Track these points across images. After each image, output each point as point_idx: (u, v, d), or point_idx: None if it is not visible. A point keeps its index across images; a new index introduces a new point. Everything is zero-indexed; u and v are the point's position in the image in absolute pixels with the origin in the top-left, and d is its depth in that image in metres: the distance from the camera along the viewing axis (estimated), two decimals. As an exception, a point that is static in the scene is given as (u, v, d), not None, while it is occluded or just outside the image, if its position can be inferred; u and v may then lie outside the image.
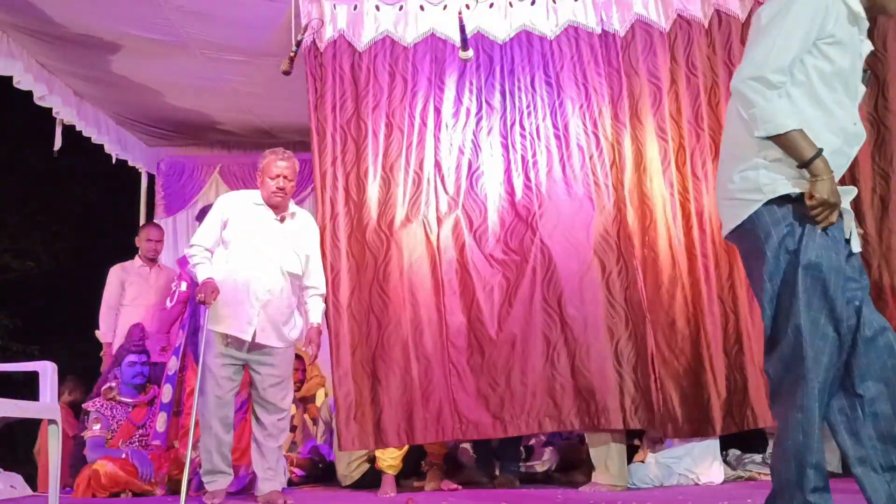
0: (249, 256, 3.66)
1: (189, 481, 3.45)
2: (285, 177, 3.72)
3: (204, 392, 3.63)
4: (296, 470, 4.70)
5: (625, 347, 3.84)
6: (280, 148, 3.84)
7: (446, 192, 4.10)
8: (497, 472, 4.33)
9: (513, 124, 4.16)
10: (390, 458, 3.90)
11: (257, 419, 3.75)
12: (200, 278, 3.64)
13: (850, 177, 3.93)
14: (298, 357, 4.60)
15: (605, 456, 3.77)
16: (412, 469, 4.27)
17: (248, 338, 3.62)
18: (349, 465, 4.30)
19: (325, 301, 3.93)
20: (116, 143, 6.10)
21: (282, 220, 3.77)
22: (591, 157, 4.08)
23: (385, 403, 3.86)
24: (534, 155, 4.12)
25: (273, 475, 3.70)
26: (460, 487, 4.07)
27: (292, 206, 3.85)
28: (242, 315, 3.61)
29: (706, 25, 4.22)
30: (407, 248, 4.02)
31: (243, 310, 3.61)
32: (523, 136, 4.14)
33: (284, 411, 3.77)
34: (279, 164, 3.72)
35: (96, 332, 5.37)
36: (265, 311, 3.64)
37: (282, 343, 3.72)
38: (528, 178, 4.09)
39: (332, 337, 3.95)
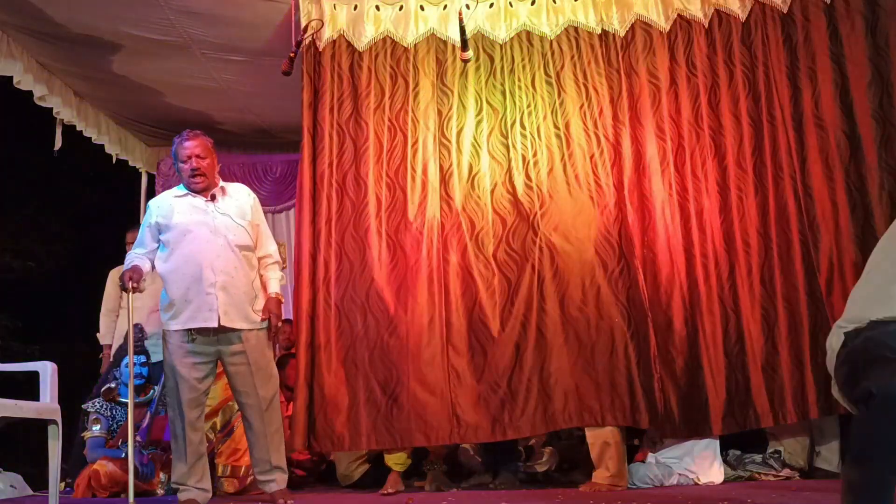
0: (192, 246, 3.54)
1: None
2: (198, 156, 3.59)
3: (174, 397, 3.52)
4: (296, 470, 4.69)
5: (626, 347, 3.84)
6: (186, 130, 3.69)
7: (448, 193, 4.09)
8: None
9: (513, 124, 4.16)
10: (396, 456, 3.89)
11: (245, 418, 3.65)
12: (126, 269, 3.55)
13: (858, 174, 3.94)
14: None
15: (605, 456, 3.77)
16: (413, 469, 4.26)
17: (214, 324, 3.49)
18: (349, 465, 4.30)
19: (317, 298, 3.90)
20: (116, 143, 6.10)
21: (212, 198, 3.64)
22: (591, 157, 4.08)
23: (381, 404, 3.85)
24: (534, 154, 4.12)
25: (271, 474, 3.64)
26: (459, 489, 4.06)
27: (220, 182, 3.71)
28: (202, 305, 3.49)
29: (706, 25, 4.22)
30: (408, 248, 4.02)
31: (201, 300, 3.49)
32: (524, 136, 4.14)
33: (266, 400, 3.60)
34: (186, 144, 3.61)
35: (98, 334, 5.38)
36: (226, 294, 3.52)
37: (249, 325, 3.59)
38: (528, 177, 4.09)
39: (322, 336, 3.94)
